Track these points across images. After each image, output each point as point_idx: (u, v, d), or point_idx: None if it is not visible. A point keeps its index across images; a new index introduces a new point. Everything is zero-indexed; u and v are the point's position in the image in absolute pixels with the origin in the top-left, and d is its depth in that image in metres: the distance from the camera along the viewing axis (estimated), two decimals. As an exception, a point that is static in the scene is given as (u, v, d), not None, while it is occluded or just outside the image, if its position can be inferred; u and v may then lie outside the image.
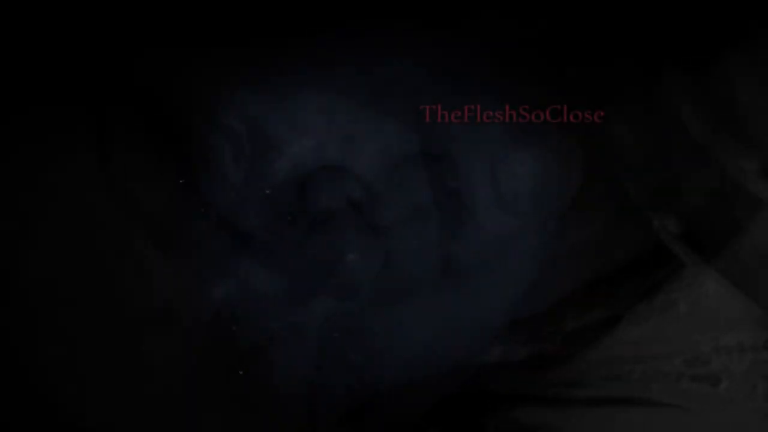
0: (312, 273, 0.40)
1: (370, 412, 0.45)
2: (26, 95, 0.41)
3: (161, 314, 0.40)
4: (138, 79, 0.40)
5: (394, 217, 0.41)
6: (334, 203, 0.40)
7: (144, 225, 0.40)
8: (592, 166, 0.46)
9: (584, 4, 0.45)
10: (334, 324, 0.42)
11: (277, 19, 0.43)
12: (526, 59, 0.45)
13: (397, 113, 0.41)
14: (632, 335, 0.49)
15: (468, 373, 0.52)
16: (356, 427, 0.45)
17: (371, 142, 0.41)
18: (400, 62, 0.42)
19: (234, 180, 0.40)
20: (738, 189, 0.41)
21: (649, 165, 0.43)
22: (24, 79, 0.41)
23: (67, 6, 0.43)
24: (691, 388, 0.49)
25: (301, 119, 0.40)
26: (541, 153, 0.42)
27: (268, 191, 0.40)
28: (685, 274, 0.49)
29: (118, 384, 0.41)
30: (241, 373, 0.42)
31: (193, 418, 0.42)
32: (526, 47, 0.45)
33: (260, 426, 0.43)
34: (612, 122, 0.43)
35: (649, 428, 0.50)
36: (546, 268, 0.48)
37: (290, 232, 0.40)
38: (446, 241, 0.42)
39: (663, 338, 0.49)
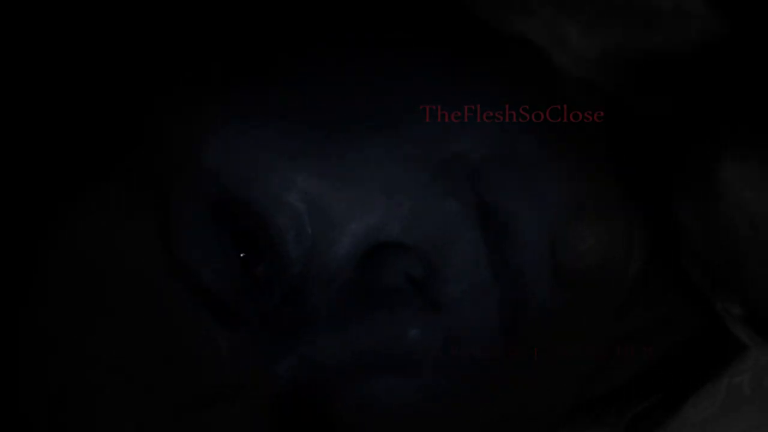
0: (375, 350, 0.41)
1: None
2: (92, 177, 0.42)
3: (227, 391, 0.41)
4: (202, 161, 0.42)
5: (454, 294, 0.41)
6: (395, 280, 0.41)
7: (208, 304, 0.41)
8: (654, 249, 0.47)
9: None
10: (397, 402, 0.42)
11: (336, 96, 0.43)
12: None
13: (457, 191, 0.42)
14: (698, 417, 0.49)
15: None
16: None
17: (431, 219, 0.42)
18: (459, 141, 0.43)
19: (296, 257, 0.41)
20: None
21: (711, 249, 0.43)
22: (90, 161, 0.43)
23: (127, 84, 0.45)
24: None
25: (362, 197, 0.41)
26: (602, 230, 0.43)
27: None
28: (748, 355, 0.49)
29: None
30: None
31: None
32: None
33: None
34: (674, 207, 0.44)
35: None
36: (610, 349, 0.48)
37: (352, 309, 0.41)
38: (508, 319, 0.42)
39: (728, 421, 0.49)
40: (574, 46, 0.47)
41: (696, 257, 0.44)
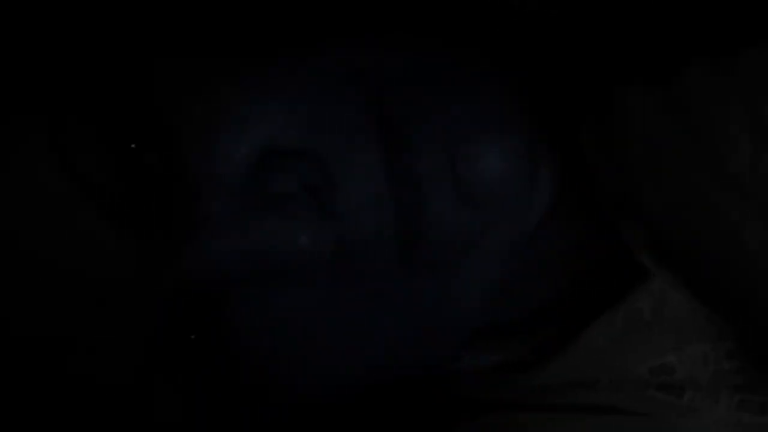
0: (266, 256, 0.41)
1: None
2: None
3: (115, 291, 0.41)
4: (100, 68, 0.42)
5: (349, 203, 0.42)
6: (289, 186, 0.41)
7: (98, 203, 0.41)
8: (566, 178, 0.47)
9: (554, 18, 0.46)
10: (289, 310, 0.43)
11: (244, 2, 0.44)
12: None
13: (358, 101, 0.42)
14: (598, 343, 0.50)
15: (436, 378, 0.53)
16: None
17: (330, 128, 0.42)
18: (366, 55, 0.43)
19: (190, 159, 0.41)
20: (698, 200, 0.41)
21: (615, 175, 0.43)
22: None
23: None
24: (657, 397, 0.50)
25: (262, 104, 0.42)
26: (506, 149, 0.43)
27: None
28: (650, 282, 0.49)
29: (72, 363, 0.42)
30: (192, 337, 0.43)
31: (151, 391, 0.43)
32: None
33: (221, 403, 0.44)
34: (580, 134, 0.44)
35: None
36: (517, 274, 0.49)
37: (244, 213, 0.41)
38: (404, 231, 0.42)
39: (628, 347, 0.50)
40: None
41: (601, 184, 0.45)
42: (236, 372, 0.44)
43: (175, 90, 0.41)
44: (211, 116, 0.41)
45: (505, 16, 0.49)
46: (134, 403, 0.43)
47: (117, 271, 0.41)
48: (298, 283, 0.42)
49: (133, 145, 0.41)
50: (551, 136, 0.46)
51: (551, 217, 0.48)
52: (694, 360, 0.50)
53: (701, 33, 0.41)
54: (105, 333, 0.42)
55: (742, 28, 0.40)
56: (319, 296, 0.43)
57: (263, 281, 0.42)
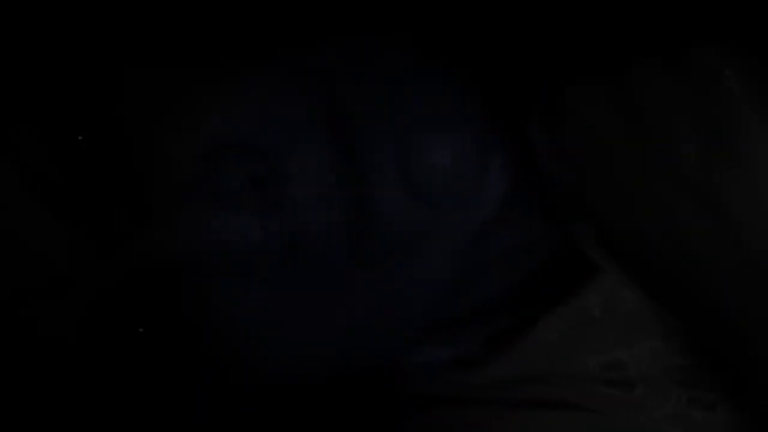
0: (214, 250, 0.41)
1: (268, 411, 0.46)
2: None
3: (59, 284, 0.41)
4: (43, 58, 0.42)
5: (298, 197, 0.42)
6: (237, 181, 0.41)
7: (44, 197, 0.41)
8: (518, 173, 0.47)
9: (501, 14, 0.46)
10: (239, 303, 0.43)
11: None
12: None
13: (309, 96, 0.42)
14: (549, 338, 0.50)
15: (387, 373, 0.52)
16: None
17: (280, 122, 0.42)
18: (318, 54, 0.43)
19: (138, 152, 0.41)
20: (649, 198, 0.41)
21: (562, 170, 0.43)
22: None
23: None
24: (606, 393, 0.50)
25: (213, 99, 0.42)
26: (456, 144, 0.43)
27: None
28: (601, 279, 0.49)
29: (14, 354, 0.42)
30: (141, 330, 0.43)
31: (92, 385, 0.43)
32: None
33: (160, 396, 0.44)
34: (529, 129, 0.44)
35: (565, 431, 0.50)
36: (469, 270, 0.48)
37: (191, 207, 0.41)
38: (353, 225, 0.42)
39: (579, 342, 0.50)
40: None
41: (550, 179, 0.45)
42: (200, 361, 0.44)
43: (124, 88, 0.42)
44: (160, 113, 0.41)
45: (458, 13, 0.49)
46: (69, 388, 0.43)
47: (62, 266, 0.41)
48: (251, 275, 0.42)
49: (79, 137, 0.41)
50: (503, 134, 0.46)
51: (503, 213, 0.47)
52: (644, 356, 0.50)
53: (651, 32, 0.41)
54: (47, 318, 0.42)
55: (691, 28, 0.40)
56: (272, 288, 0.43)
57: (211, 275, 0.42)
